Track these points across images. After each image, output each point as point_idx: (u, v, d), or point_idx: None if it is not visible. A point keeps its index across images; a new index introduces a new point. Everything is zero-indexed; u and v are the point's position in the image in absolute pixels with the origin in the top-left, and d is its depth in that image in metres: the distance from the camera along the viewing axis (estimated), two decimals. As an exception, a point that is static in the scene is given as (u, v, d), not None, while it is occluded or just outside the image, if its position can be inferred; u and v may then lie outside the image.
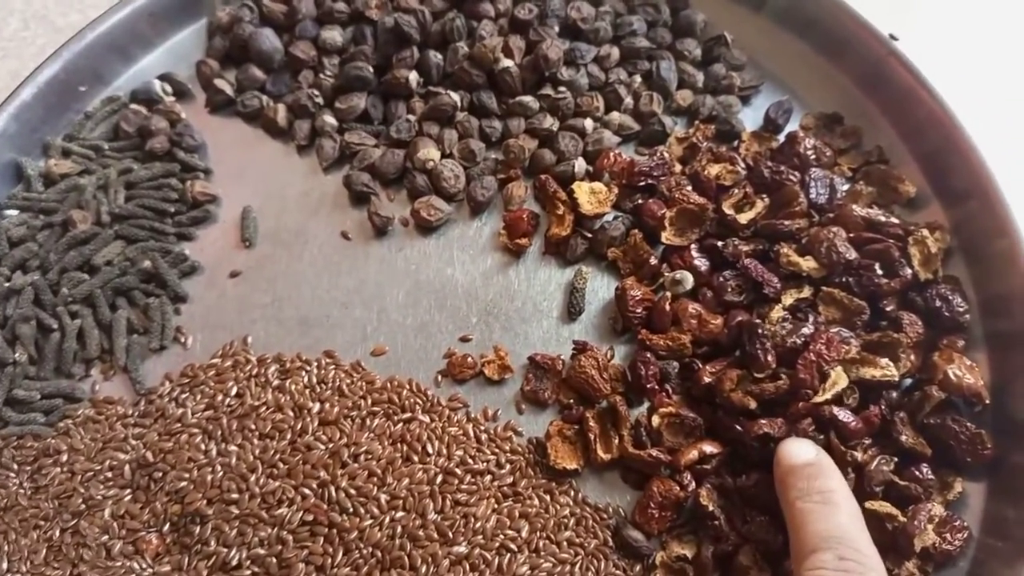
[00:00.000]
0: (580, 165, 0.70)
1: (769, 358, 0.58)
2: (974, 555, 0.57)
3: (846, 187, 0.68)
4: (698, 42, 0.76)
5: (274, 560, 0.55)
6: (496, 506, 0.58)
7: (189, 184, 0.71)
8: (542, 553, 0.56)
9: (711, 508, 0.56)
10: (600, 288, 0.67)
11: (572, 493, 0.59)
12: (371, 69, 0.73)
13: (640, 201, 0.68)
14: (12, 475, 0.59)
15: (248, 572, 0.55)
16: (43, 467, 0.59)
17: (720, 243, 0.65)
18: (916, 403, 0.59)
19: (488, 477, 0.59)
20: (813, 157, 0.69)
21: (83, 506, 0.58)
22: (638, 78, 0.74)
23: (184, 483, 0.58)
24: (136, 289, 0.66)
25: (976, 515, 0.58)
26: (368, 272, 0.68)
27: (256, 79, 0.75)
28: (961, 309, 0.62)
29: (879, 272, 0.62)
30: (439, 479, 0.58)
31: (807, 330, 0.59)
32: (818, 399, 0.56)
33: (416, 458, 0.59)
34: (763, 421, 0.57)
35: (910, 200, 0.68)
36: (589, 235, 0.68)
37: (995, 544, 0.56)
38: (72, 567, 0.56)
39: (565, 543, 0.57)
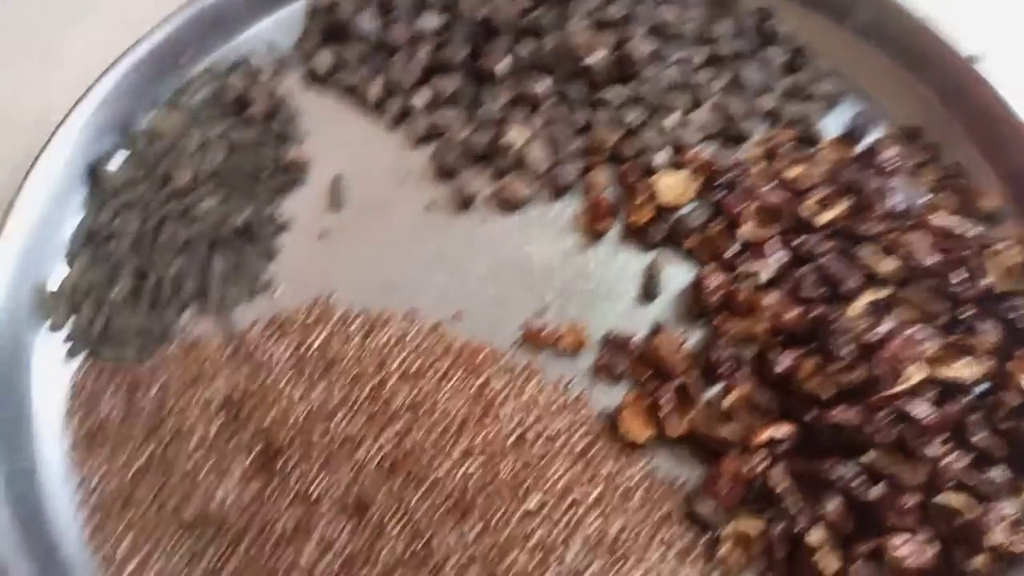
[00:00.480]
0: (662, 157, 0.72)
1: (846, 351, 0.59)
2: (1044, 558, 0.57)
3: (926, 198, 0.69)
4: (782, 50, 0.78)
5: (353, 497, 0.56)
6: (567, 468, 0.59)
7: (283, 150, 0.74)
8: (611, 515, 0.58)
9: (781, 488, 0.57)
10: (676, 275, 0.69)
11: (642, 463, 0.61)
12: (463, 54, 0.76)
13: (720, 196, 0.70)
14: (106, 399, 0.62)
15: (327, 504, 0.56)
16: (136, 394, 0.62)
17: (798, 240, 0.66)
18: (991, 407, 0.59)
19: (560, 441, 0.60)
20: (894, 166, 0.70)
21: (173, 432, 0.60)
22: (722, 80, 0.76)
23: (270, 419, 0.60)
24: (230, 241, 0.69)
25: (1047, 520, 0.58)
26: (451, 244, 0.70)
27: (352, 57, 0.78)
28: (1038, 320, 0.63)
29: (958, 280, 0.63)
30: (513, 438, 0.60)
31: (885, 327, 0.60)
32: (894, 391, 0.57)
33: (490, 418, 0.61)
34: (837, 410, 0.58)
35: (989, 214, 0.69)
36: (668, 224, 0.70)
37: (1065, 549, 0.56)
38: (160, 487, 0.59)
39: (634, 508, 0.58)
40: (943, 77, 0.74)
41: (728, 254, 0.67)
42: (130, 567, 0.57)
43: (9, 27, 0.84)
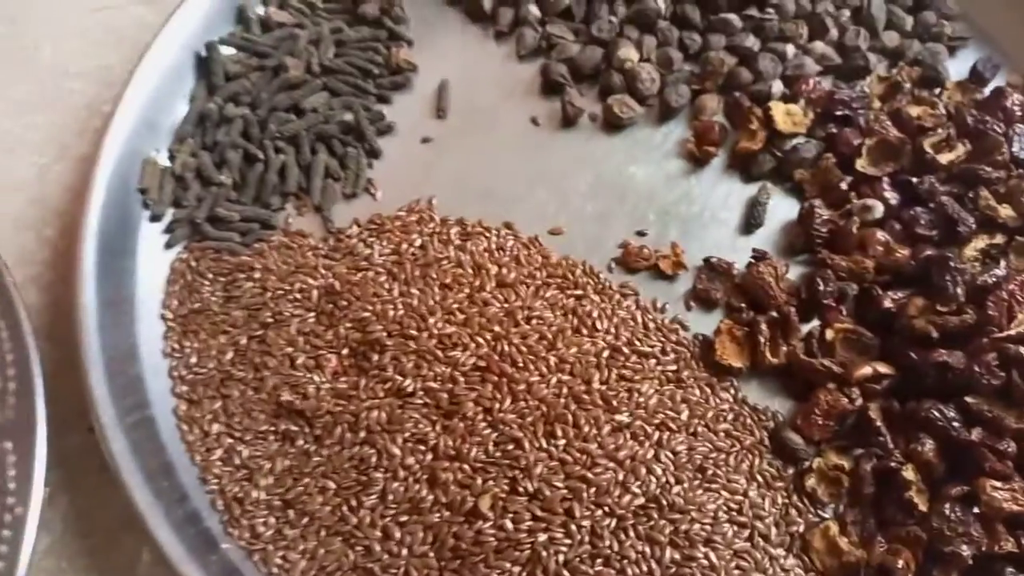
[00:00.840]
0: (777, 87, 0.70)
1: (958, 291, 0.58)
2: None
3: (1051, 148, 0.67)
4: (911, -13, 0.75)
5: (446, 396, 0.57)
6: (658, 388, 0.59)
7: (394, 51, 0.73)
8: (699, 438, 0.58)
9: (878, 423, 0.56)
10: (780, 207, 0.67)
11: (732, 391, 0.60)
12: (580, -32, 0.75)
13: (835, 130, 0.68)
14: (207, 283, 0.63)
15: (420, 401, 0.57)
16: (236, 280, 0.63)
17: (916, 179, 0.64)
18: (1103, 362, 0.58)
19: (653, 360, 0.60)
20: (1019, 114, 0.67)
21: (271, 319, 0.61)
22: (846, 12, 0.73)
23: (367, 314, 0.60)
24: (336, 138, 0.69)
25: None
26: (553, 158, 0.70)
27: (466, -36, 0.77)
28: None
29: (1079, 231, 0.61)
30: (606, 353, 0.60)
31: (1000, 271, 0.59)
32: (1006, 334, 0.56)
33: (585, 331, 0.61)
34: (942, 351, 0.57)
35: (1116, 169, 0.66)
36: (779, 154, 0.68)
37: None
38: (256, 371, 0.60)
39: (722, 433, 0.58)
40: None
41: (840, 187, 0.65)
42: (222, 446, 0.59)
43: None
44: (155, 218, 0.66)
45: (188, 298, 0.63)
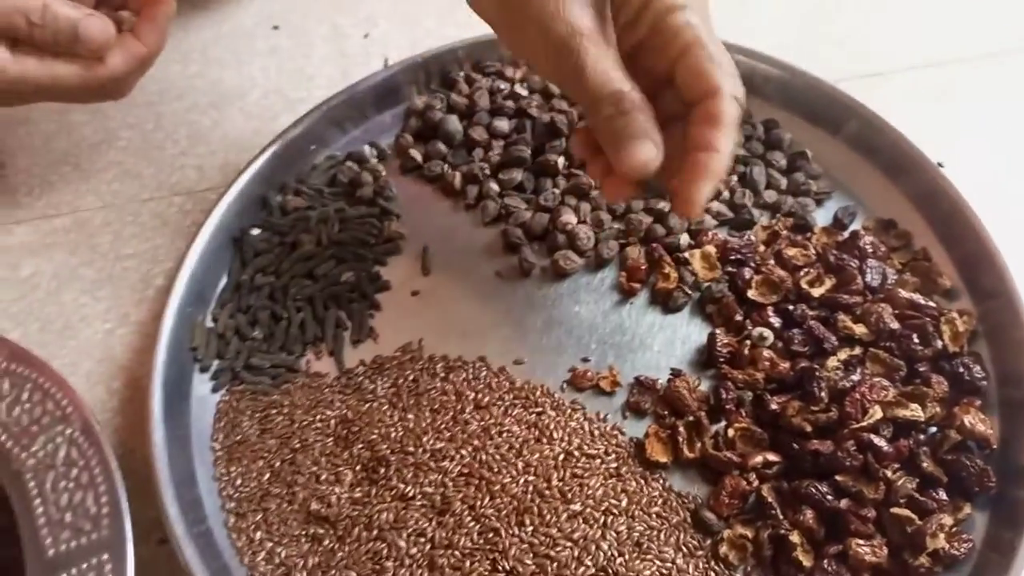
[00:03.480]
0: (684, 239, 0.90)
1: (823, 394, 0.76)
2: (975, 563, 0.72)
3: (895, 277, 0.86)
4: (784, 155, 0.96)
5: (439, 498, 0.74)
6: (603, 482, 0.76)
7: (386, 224, 0.93)
8: (636, 519, 0.74)
9: (770, 500, 0.73)
10: (693, 332, 0.86)
11: (661, 481, 0.77)
12: (528, 151, 0.96)
13: (732, 271, 0.87)
14: (245, 419, 0.80)
15: (420, 503, 0.74)
16: (269, 415, 0.80)
17: (792, 307, 0.84)
18: (937, 442, 0.75)
19: (598, 460, 0.77)
20: (871, 251, 0.87)
21: (299, 445, 0.78)
22: (734, 178, 0.94)
23: (374, 436, 0.77)
24: (343, 296, 0.88)
25: (980, 534, 0.73)
26: (515, 303, 0.89)
27: (440, 152, 0.98)
28: (980, 376, 0.79)
29: (916, 341, 0.80)
30: (561, 457, 0.77)
31: (855, 377, 0.77)
32: (860, 425, 0.74)
33: (544, 441, 0.78)
34: (815, 441, 0.74)
35: (946, 292, 0.86)
36: (691, 292, 0.87)
37: (992, 556, 0.72)
38: (288, 487, 0.76)
39: (655, 515, 0.74)
40: (915, 180, 0.92)
41: (737, 318, 0.85)
42: (264, 549, 0.74)
43: (171, 117, 1.05)
44: (204, 369, 0.84)
45: (231, 432, 0.80)
